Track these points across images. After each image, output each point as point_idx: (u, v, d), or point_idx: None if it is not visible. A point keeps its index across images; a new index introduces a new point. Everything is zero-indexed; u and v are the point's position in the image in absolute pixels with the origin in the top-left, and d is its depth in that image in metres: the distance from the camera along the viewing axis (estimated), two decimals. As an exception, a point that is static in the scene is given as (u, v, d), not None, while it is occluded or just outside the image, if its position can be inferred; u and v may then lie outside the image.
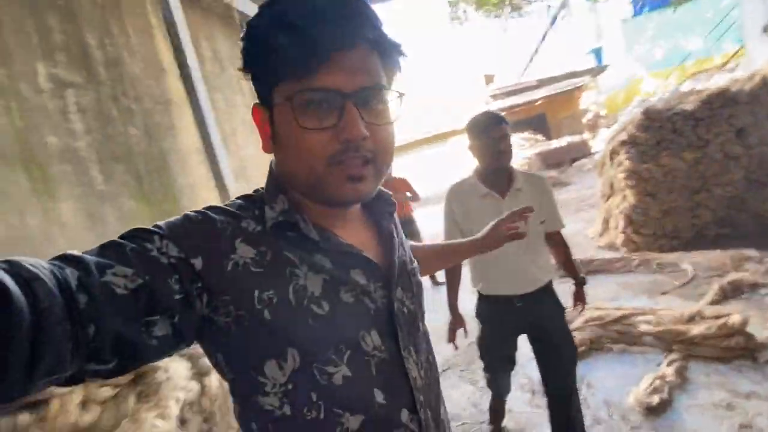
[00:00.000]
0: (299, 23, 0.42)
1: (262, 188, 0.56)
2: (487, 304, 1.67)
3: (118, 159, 2.75)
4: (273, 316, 0.46)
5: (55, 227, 2.28)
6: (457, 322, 1.70)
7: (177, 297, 0.41)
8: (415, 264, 0.65)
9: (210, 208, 0.51)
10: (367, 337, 0.51)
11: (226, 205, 0.52)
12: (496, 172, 1.56)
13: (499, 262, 1.51)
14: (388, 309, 0.54)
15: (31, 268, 0.32)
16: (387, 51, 0.49)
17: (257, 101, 0.52)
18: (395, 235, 0.61)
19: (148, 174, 2.99)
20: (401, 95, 0.51)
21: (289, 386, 0.47)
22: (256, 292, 0.46)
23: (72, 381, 0.35)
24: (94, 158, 2.58)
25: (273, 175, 0.55)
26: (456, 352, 2.28)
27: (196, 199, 3.28)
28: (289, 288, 0.47)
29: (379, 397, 0.51)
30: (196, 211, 0.50)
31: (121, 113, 2.90)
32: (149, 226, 0.45)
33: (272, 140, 0.51)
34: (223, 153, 2.93)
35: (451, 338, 1.70)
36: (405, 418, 0.52)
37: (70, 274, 0.34)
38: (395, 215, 0.66)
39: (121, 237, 0.43)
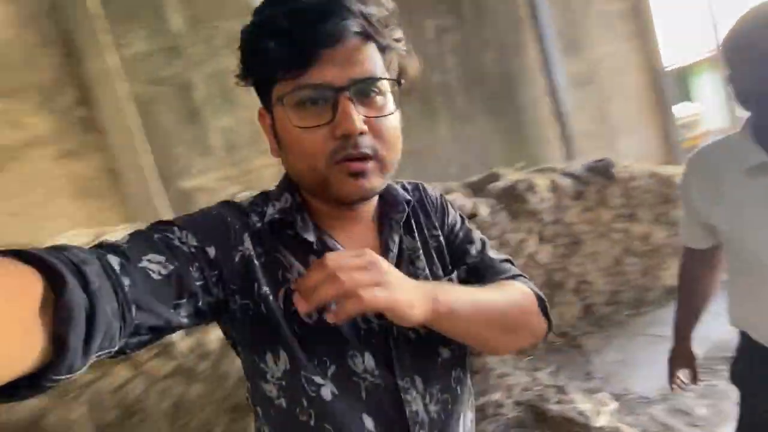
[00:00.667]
0: (286, 26, 0.42)
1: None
2: (760, 360, 0.89)
3: (475, 84, 3.42)
4: (268, 311, 0.47)
5: (437, 143, 3.33)
6: (682, 356, 1.06)
7: (198, 283, 0.43)
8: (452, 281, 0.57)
9: (223, 203, 0.52)
10: (357, 358, 0.48)
11: (238, 200, 0.54)
12: None
13: None
14: (385, 332, 0.50)
15: (79, 253, 0.34)
16: (381, 40, 0.46)
17: (259, 108, 0.52)
18: (401, 247, 0.55)
19: (497, 93, 3.51)
20: (398, 83, 0.49)
21: (283, 382, 0.48)
22: (256, 285, 0.47)
23: (118, 354, 0.37)
24: (459, 87, 3.37)
25: (287, 176, 0.55)
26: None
27: (536, 113, 3.53)
28: (279, 293, 0.48)
29: (369, 424, 0.48)
30: (212, 206, 0.52)
31: (480, 43, 3.48)
32: (168, 220, 0.47)
33: (278, 144, 0.50)
34: (558, 66, 2.98)
35: (672, 378, 1.09)
36: None
37: (112, 259, 0.36)
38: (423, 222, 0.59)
39: (147, 228, 0.45)
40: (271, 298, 0.47)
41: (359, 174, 0.45)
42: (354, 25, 0.43)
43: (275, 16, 0.43)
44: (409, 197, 0.58)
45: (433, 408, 0.51)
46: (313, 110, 0.44)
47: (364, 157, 0.45)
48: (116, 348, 0.35)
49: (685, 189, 0.92)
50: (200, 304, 0.43)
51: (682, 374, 1.08)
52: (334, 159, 0.45)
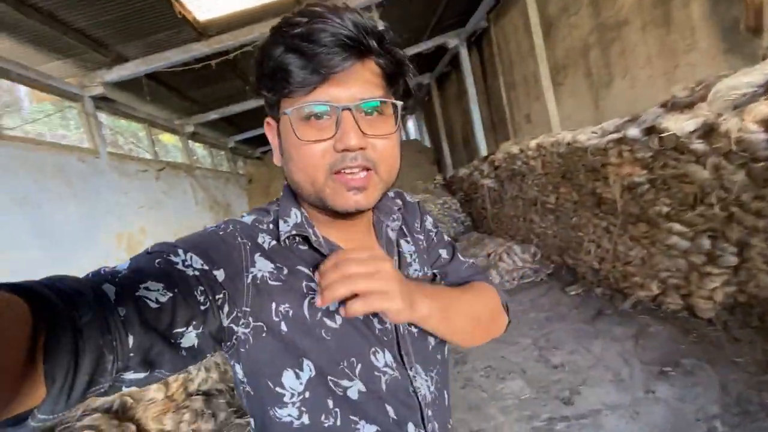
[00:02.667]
0: (304, 48, 0.43)
1: (276, 201, 0.57)
2: None
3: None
4: (288, 328, 0.47)
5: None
6: None
7: (202, 308, 0.41)
8: (432, 281, 0.62)
9: (228, 222, 0.52)
10: (379, 354, 0.51)
11: (241, 219, 0.53)
12: None
13: None
14: (395, 331, 0.54)
15: (72, 283, 0.33)
16: (389, 66, 0.49)
17: (267, 118, 0.54)
18: (398, 251, 0.59)
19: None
20: (399, 107, 0.51)
21: (307, 394, 0.47)
22: (273, 305, 0.47)
23: (111, 391, 0.35)
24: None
25: (288, 190, 0.56)
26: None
27: None
28: (304, 302, 0.48)
29: (391, 412, 0.51)
30: (215, 226, 0.51)
31: None
32: (171, 242, 0.46)
33: (281, 154, 0.52)
34: None
35: None
36: (412, 430, 0.53)
37: (107, 289, 0.35)
38: (412, 228, 0.64)
39: (147, 252, 0.44)
40: (291, 312, 0.47)
41: (357, 188, 0.48)
42: (364, 50, 0.46)
43: (296, 37, 0.44)
44: (399, 204, 0.63)
45: (432, 388, 0.56)
46: (318, 125, 0.46)
47: (363, 169, 0.47)
48: (109, 383, 0.33)
49: None
50: (202, 330, 0.42)
51: None
52: (333, 170, 0.47)
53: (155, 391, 2.17)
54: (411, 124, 17.04)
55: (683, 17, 3.39)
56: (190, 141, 7.52)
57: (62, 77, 4.48)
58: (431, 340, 0.58)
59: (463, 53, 7.30)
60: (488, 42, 7.06)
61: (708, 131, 1.88)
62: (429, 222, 0.68)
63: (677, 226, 2.33)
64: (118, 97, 5.30)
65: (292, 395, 0.47)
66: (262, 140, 10.50)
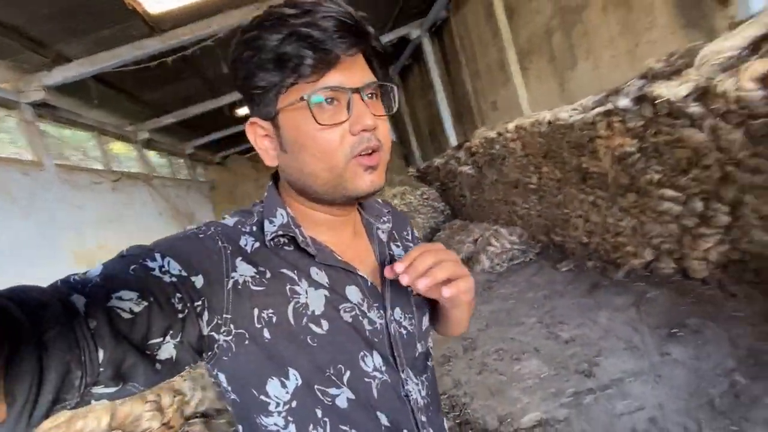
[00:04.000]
0: (313, 35, 0.44)
1: (260, 202, 0.56)
2: None
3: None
4: (272, 335, 0.45)
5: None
6: None
7: (179, 316, 0.40)
8: None
9: (210, 224, 0.50)
10: (368, 359, 0.50)
11: (223, 221, 0.52)
12: None
13: None
14: (387, 330, 0.53)
15: (37, 295, 0.31)
16: (380, 60, 0.51)
17: (251, 119, 0.51)
18: (389, 253, 0.59)
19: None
20: (395, 89, 0.52)
21: (293, 403, 0.46)
22: (256, 311, 0.45)
23: (78, 405, 0.34)
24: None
25: (273, 190, 0.55)
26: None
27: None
28: (288, 307, 0.47)
29: (383, 419, 0.50)
30: (196, 229, 0.49)
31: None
32: (149, 244, 0.44)
33: (281, 150, 0.50)
34: None
35: None
36: None
37: (76, 300, 0.33)
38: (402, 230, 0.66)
39: (122, 255, 0.42)
40: (275, 319, 0.46)
41: (372, 167, 0.49)
42: (366, 38, 0.48)
43: (299, 25, 0.44)
44: (388, 208, 0.64)
45: (423, 393, 0.55)
46: (330, 110, 0.46)
47: (376, 151, 0.49)
48: (77, 399, 0.32)
49: None
50: (180, 340, 0.40)
51: None
52: (353, 153, 0.47)
53: (149, 420, 1.95)
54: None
55: (643, -4, 3.51)
56: (144, 149, 6.99)
57: (-7, 81, 3.97)
58: (419, 346, 0.57)
59: (426, 44, 7.29)
60: (449, 32, 7.08)
61: (702, 94, 1.92)
62: (414, 232, 0.70)
63: (669, 192, 2.39)
64: (62, 103, 4.79)
65: (278, 404, 0.46)
66: (223, 144, 9.98)
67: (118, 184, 5.51)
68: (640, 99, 2.25)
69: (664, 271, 2.67)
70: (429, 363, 0.60)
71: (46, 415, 0.29)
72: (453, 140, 7.76)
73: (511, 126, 4.06)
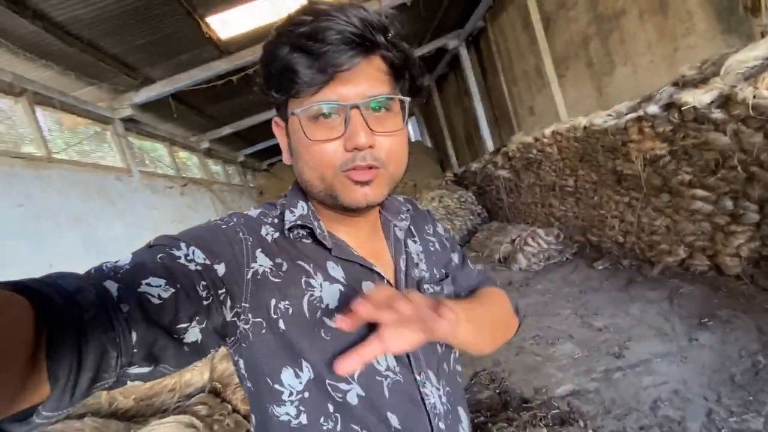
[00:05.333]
0: (310, 47, 0.43)
1: (284, 195, 0.57)
2: None
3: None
4: (287, 326, 0.46)
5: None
6: None
7: (205, 303, 0.41)
8: (444, 284, 0.61)
9: (233, 215, 0.51)
10: (380, 357, 0.49)
11: (247, 213, 0.53)
12: None
13: None
14: None
15: (73, 281, 0.33)
16: (395, 63, 0.48)
17: (274, 118, 0.53)
18: (405, 251, 0.59)
19: None
20: (406, 102, 0.50)
21: (306, 394, 0.46)
22: (273, 301, 0.46)
23: (116, 385, 0.35)
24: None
25: (296, 185, 0.55)
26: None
27: None
28: (303, 299, 0.47)
29: (394, 421, 0.49)
30: (219, 219, 0.50)
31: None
32: (174, 235, 0.45)
33: (290, 152, 0.51)
34: None
35: None
36: None
37: (110, 286, 0.35)
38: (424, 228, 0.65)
39: (149, 245, 0.44)
40: (291, 310, 0.46)
41: (364, 183, 0.47)
42: (369, 47, 0.46)
43: (301, 37, 0.44)
44: (408, 206, 0.63)
45: (444, 399, 0.53)
46: (326, 124, 0.46)
47: (370, 167, 0.47)
48: (113, 379, 0.33)
49: None
50: (206, 325, 0.41)
51: None
52: (342, 168, 0.47)
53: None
54: (411, 126, 17.34)
55: (679, 2, 3.64)
56: (205, 157, 7.74)
57: (94, 101, 4.71)
58: (438, 347, 0.56)
59: (463, 53, 7.57)
60: (486, 41, 7.32)
61: (725, 101, 2.10)
62: (441, 228, 0.69)
63: (700, 192, 2.55)
64: (143, 118, 5.52)
65: (291, 393, 0.47)
66: (269, 152, 10.73)
67: (185, 188, 6.20)
68: (669, 106, 2.44)
69: (699, 267, 2.81)
70: (450, 366, 0.57)
71: (87, 394, 0.31)
72: (490, 145, 7.93)
73: (547, 131, 4.27)
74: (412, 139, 15.35)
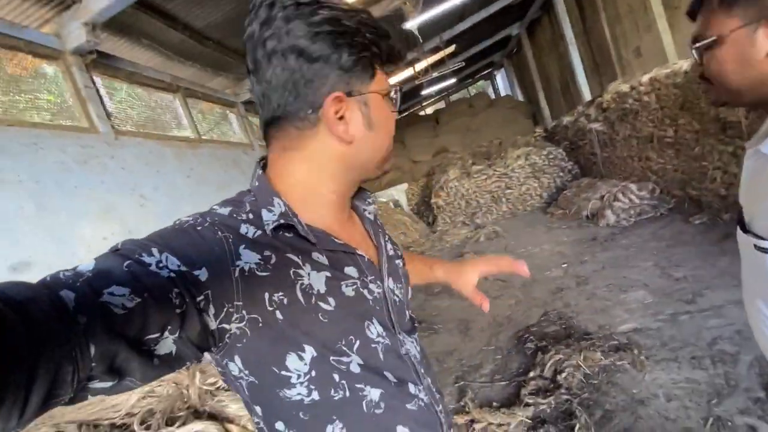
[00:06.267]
0: (392, 40, 0.55)
1: (247, 192, 0.56)
2: None
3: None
4: (284, 316, 0.47)
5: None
6: None
7: (178, 311, 0.39)
8: (401, 255, 0.71)
9: (203, 214, 0.50)
10: (371, 326, 0.54)
11: (215, 211, 0.51)
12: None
13: None
14: (384, 299, 0.57)
15: (23, 290, 0.31)
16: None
17: (336, 94, 0.51)
18: (380, 229, 0.66)
19: None
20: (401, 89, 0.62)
21: (313, 373, 0.49)
22: (267, 295, 0.47)
23: (74, 401, 0.33)
24: None
25: (264, 179, 0.55)
26: None
27: None
28: (296, 288, 0.49)
29: (390, 376, 0.55)
30: (191, 221, 0.48)
31: None
32: (144, 239, 0.44)
33: (365, 127, 0.53)
34: None
35: None
36: (413, 389, 0.57)
37: (66, 295, 0.33)
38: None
39: (116, 250, 0.42)
40: (286, 300, 0.48)
41: None
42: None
43: (379, 29, 0.53)
44: (369, 191, 0.70)
45: (418, 350, 0.62)
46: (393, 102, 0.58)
47: None
48: (70, 395, 0.32)
49: None
50: (179, 335, 0.40)
51: None
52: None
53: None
54: (500, 79, 16.38)
55: None
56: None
57: (222, 89, 5.75)
58: (407, 312, 0.65)
59: (557, -6, 7.00)
60: (585, -24, 6.66)
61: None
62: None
63: (812, 138, 2.35)
64: (258, 99, 6.51)
65: (299, 376, 0.49)
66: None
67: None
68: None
69: (811, 220, 2.59)
70: (417, 327, 0.68)
71: (40, 411, 0.30)
72: (587, 95, 7.39)
73: (645, 79, 3.99)
74: (497, 95, 14.48)
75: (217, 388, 1.57)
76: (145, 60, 4.31)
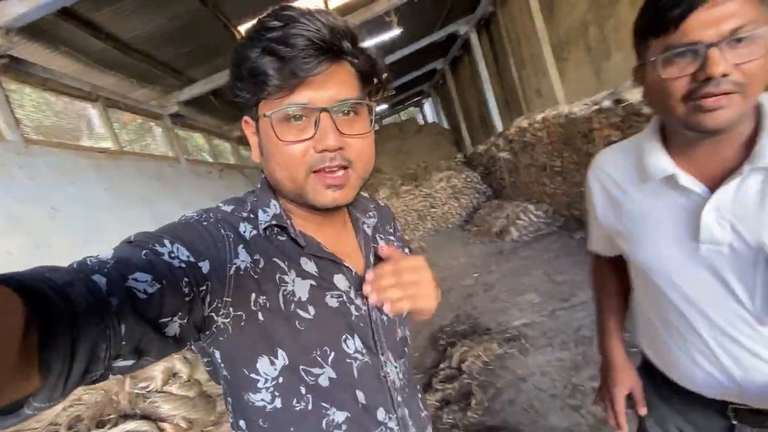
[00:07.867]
0: (281, 51, 0.45)
1: (252, 192, 0.58)
2: (657, 390, 0.82)
3: None
4: (265, 318, 0.49)
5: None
6: (616, 374, 0.88)
7: (187, 299, 0.42)
8: None
9: (208, 211, 0.52)
10: (349, 341, 0.53)
11: (220, 208, 0.54)
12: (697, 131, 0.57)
13: (677, 330, 0.70)
14: (369, 317, 0.56)
15: (64, 275, 0.33)
16: (363, 69, 0.51)
17: (244, 117, 0.53)
18: (373, 246, 0.62)
19: None
20: (373, 107, 0.53)
21: (280, 379, 0.49)
22: (253, 296, 0.48)
23: (100, 379, 0.36)
24: None
25: (265, 182, 0.56)
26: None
27: None
28: (279, 294, 0.50)
29: (361, 397, 0.54)
30: (198, 216, 0.51)
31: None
32: (156, 231, 0.46)
33: (259, 150, 0.53)
34: None
35: (598, 400, 0.96)
36: (382, 416, 0.56)
37: (98, 279, 0.36)
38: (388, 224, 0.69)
39: (129, 241, 0.44)
40: (268, 304, 0.49)
41: (335, 186, 0.51)
42: (337, 54, 0.48)
43: (274, 41, 0.46)
44: (374, 203, 0.68)
45: (401, 376, 0.61)
46: (297, 126, 0.49)
47: (342, 169, 0.50)
48: (101, 371, 0.34)
49: (588, 192, 0.82)
50: (186, 321, 0.43)
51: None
52: (312, 169, 0.50)
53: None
54: (428, 107, 17.64)
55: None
56: (237, 144, 8.59)
57: (147, 101, 5.55)
58: (399, 331, 0.62)
59: (473, 38, 7.94)
60: (496, 25, 7.65)
61: (653, 99, 2.64)
62: (398, 225, 0.75)
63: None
64: (187, 113, 6.36)
65: (266, 381, 0.50)
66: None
67: (223, 173, 7.07)
68: (618, 101, 2.97)
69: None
70: (406, 349, 0.64)
71: (77, 385, 0.32)
72: (499, 127, 8.36)
73: (538, 117, 4.77)
74: (425, 121, 15.68)
75: (149, 391, 1.63)
76: (61, 67, 4.09)
